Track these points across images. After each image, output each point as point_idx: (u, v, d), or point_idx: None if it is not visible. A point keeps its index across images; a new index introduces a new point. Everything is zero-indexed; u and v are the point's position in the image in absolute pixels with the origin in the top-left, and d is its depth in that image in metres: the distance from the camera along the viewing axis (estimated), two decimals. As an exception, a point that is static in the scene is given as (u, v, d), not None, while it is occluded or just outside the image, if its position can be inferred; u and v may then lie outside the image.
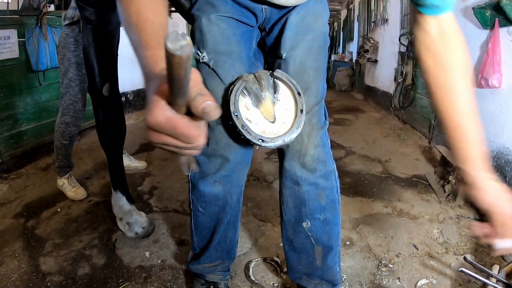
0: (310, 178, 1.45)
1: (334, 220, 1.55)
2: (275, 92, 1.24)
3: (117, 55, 2.16)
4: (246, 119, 1.19)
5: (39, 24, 3.65)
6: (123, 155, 3.27)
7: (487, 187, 1.01)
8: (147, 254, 2.23)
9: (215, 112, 0.56)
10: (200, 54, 1.33)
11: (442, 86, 1.04)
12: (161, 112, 0.58)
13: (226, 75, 1.33)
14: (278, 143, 1.18)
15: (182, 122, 0.58)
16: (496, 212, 1.00)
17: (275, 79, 1.25)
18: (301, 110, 1.22)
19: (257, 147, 1.22)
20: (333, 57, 13.47)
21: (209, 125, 1.40)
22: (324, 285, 1.66)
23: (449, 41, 1.03)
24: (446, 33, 1.03)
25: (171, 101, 0.57)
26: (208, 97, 0.56)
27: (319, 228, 1.53)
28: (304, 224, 1.53)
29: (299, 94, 1.23)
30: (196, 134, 0.60)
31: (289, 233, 1.61)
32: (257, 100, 1.22)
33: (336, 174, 1.53)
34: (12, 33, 3.48)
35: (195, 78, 0.58)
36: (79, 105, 2.83)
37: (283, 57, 1.38)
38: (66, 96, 2.80)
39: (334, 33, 17.01)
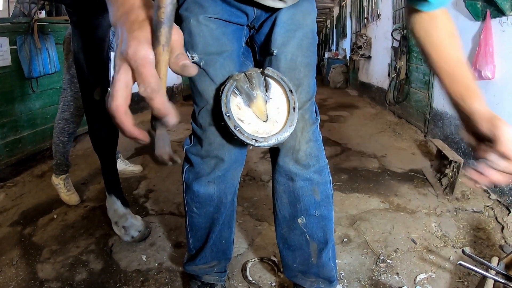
0: (304, 174, 1.45)
1: (328, 215, 1.55)
2: (266, 91, 1.23)
3: (108, 59, 2.15)
4: (238, 119, 1.17)
5: (30, 31, 3.63)
6: (119, 159, 3.27)
7: (489, 113, 0.98)
8: (143, 257, 2.22)
9: (193, 69, 0.65)
10: (188, 55, 1.32)
11: (434, 47, 1.10)
12: (145, 48, 0.62)
13: (216, 74, 1.32)
14: (272, 142, 1.17)
15: (152, 69, 0.63)
16: (502, 131, 0.93)
17: (266, 77, 1.24)
18: (294, 108, 1.21)
19: (251, 147, 1.21)
20: (327, 55, 13.49)
21: (201, 126, 1.39)
22: (320, 282, 1.66)
23: (438, 19, 1.10)
24: (437, 15, 1.10)
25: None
26: (188, 59, 0.65)
27: (315, 224, 1.53)
28: (299, 220, 1.53)
29: (291, 91, 1.22)
30: (157, 86, 0.63)
31: (283, 231, 1.61)
32: (249, 99, 1.21)
33: (328, 169, 1.54)
34: (4, 41, 3.46)
35: (178, 41, 0.66)
36: (80, 102, 2.77)
37: (274, 54, 1.38)
38: (67, 92, 2.82)
39: (327, 30, 17.04)
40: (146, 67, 0.62)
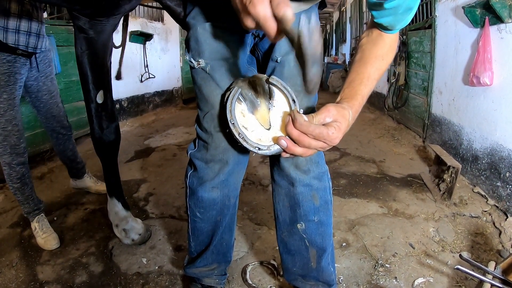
0: (304, 179, 1.47)
1: (327, 221, 1.57)
2: (270, 99, 1.24)
3: (110, 63, 2.17)
4: (243, 126, 1.18)
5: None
6: (86, 175, 3.21)
7: (339, 110, 1.07)
8: (144, 260, 2.23)
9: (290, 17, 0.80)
10: (194, 61, 1.35)
11: (365, 55, 1.23)
12: None
13: (222, 79, 1.35)
14: (274, 150, 1.18)
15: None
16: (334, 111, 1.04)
17: (270, 86, 1.25)
18: None
19: (254, 154, 1.22)
20: (326, 59, 13.51)
21: (207, 131, 1.41)
22: (320, 286, 1.67)
23: (383, 41, 1.23)
24: (384, 37, 1.23)
25: None
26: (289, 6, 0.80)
27: (314, 230, 1.54)
28: (298, 226, 1.54)
29: (293, 101, 1.23)
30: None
31: (283, 235, 1.63)
32: (253, 107, 1.22)
33: (328, 175, 1.55)
34: (5, 43, 3.47)
35: None
36: (13, 138, 2.35)
37: (278, 61, 1.40)
38: None
39: (327, 35, 17.05)
40: None
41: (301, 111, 1.21)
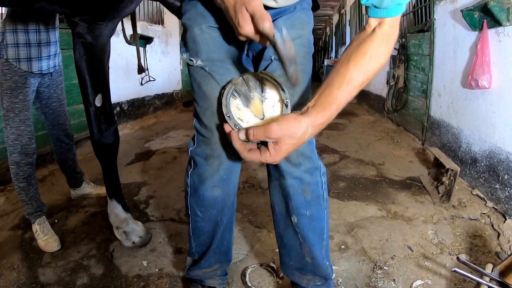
0: (294, 172, 1.49)
1: (319, 215, 1.59)
2: (262, 91, 1.30)
3: (108, 67, 2.20)
4: (238, 118, 1.25)
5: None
6: (84, 183, 3.23)
7: (296, 117, 1.06)
8: (144, 263, 2.24)
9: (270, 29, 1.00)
10: (193, 60, 1.40)
11: (352, 54, 1.13)
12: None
13: (222, 79, 1.38)
14: None
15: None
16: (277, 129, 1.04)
17: (262, 79, 1.31)
18: (286, 105, 1.27)
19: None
20: (326, 62, 13.55)
21: (207, 126, 1.45)
22: (316, 280, 1.69)
23: (375, 40, 1.12)
24: (376, 36, 1.12)
25: None
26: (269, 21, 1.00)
27: (306, 224, 1.56)
28: (292, 219, 1.57)
29: (283, 90, 1.28)
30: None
31: (280, 228, 1.66)
32: (247, 100, 1.29)
33: (322, 171, 1.57)
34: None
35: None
36: (25, 138, 2.45)
37: (272, 60, 1.44)
38: (7, 130, 2.42)
39: (327, 38, 17.08)
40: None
41: (289, 101, 1.25)
